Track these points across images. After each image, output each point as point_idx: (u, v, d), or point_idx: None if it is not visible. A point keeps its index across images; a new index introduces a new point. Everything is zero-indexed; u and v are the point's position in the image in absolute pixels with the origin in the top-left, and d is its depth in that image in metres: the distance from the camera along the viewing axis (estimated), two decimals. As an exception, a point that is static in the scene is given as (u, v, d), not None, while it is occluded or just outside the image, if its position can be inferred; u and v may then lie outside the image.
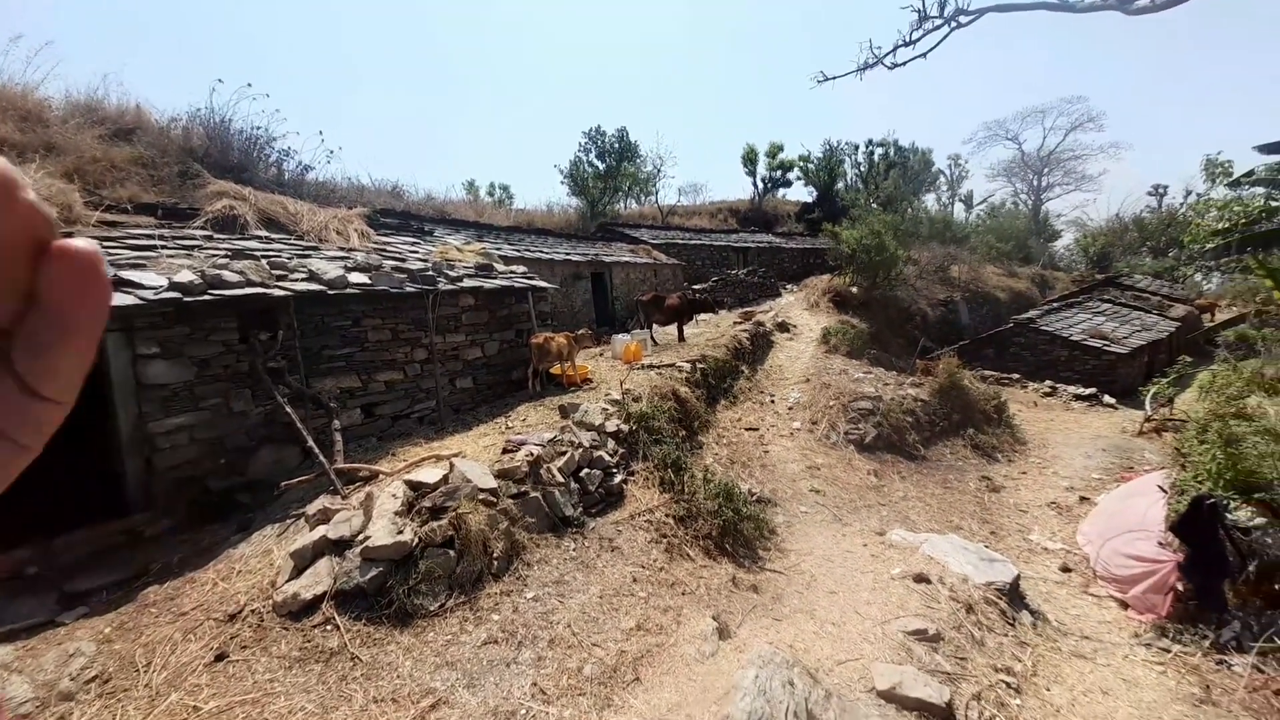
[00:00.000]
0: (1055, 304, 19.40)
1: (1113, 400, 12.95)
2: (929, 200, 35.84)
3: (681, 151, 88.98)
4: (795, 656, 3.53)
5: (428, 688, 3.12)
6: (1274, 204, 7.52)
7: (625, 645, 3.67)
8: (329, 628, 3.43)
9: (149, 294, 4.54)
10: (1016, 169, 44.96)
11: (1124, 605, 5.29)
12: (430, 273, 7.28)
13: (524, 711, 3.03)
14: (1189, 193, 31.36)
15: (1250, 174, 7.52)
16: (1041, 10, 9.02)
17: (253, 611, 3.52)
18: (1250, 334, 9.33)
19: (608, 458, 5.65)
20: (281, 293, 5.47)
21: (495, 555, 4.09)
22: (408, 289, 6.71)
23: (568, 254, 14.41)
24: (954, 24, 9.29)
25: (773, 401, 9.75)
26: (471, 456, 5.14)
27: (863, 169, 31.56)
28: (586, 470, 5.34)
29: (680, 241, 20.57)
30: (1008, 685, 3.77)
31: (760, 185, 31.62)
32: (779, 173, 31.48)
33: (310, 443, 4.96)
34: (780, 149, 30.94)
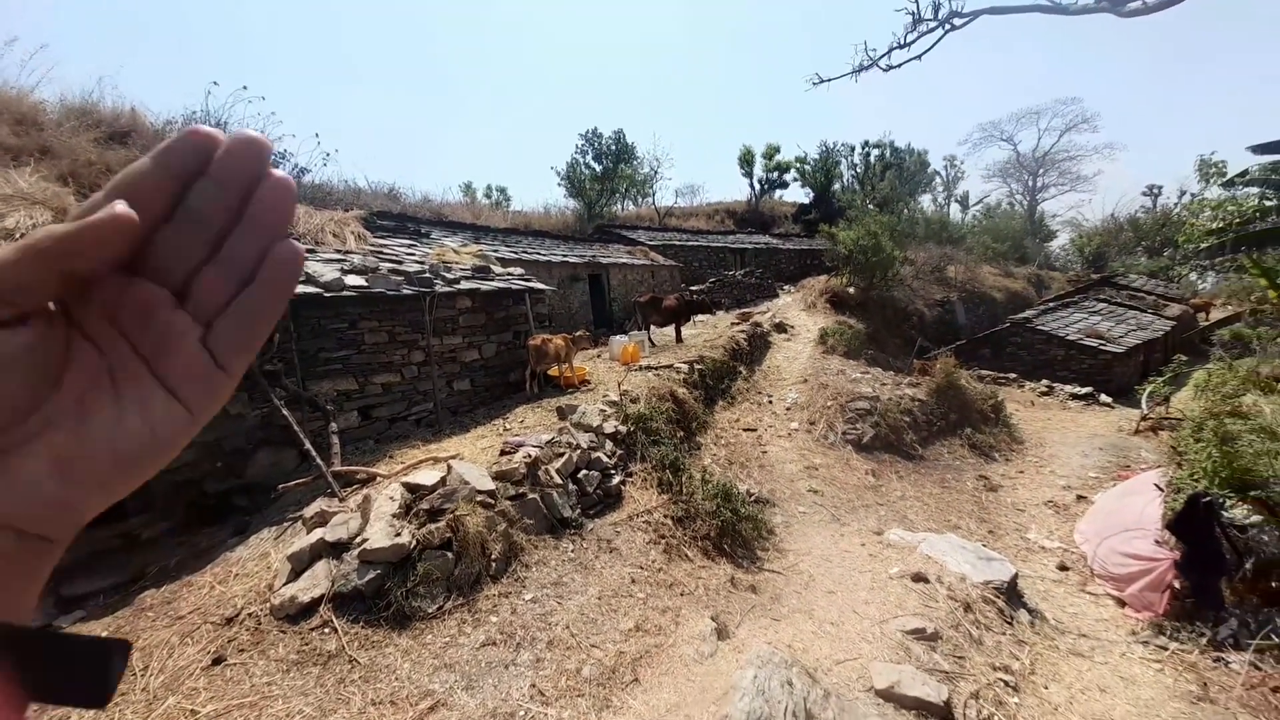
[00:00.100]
0: (1051, 304, 19.46)
1: (1109, 399, 13.00)
2: (925, 201, 36.02)
3: (678, 153, 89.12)
4: (794, 656, 3.53)
5: (426, 690, 3.11)
6: (1268, 203, 7.56)
7: (624, 646, 3.66)
8: (327, 630, 3.42)
9: (145, 297, 4.53)
10: (1012, 170, 45.20)
11: (1121, 603, 5.31)
12: (427, 275, 7.27)
13: (522, 713, 3.03)
14: (1183, 193, 31.53)
15: (1244, 174, 7.57)
16: (1035, 13, 9.08)
17: (250, 615, 3.51)
18: (1245, 333, 9.39)
19: (606, 459, 5.65)
20: (278, 295, 5.45)
21: (493, 557, 4.08)
22: (404, 291, 6.71)
23: (565, 256, 14.42)
24: (948, 26, 9.35)
25: (770, 402, 9.76)
26: (469, 458, 5.14)
27: (859, 170, 31.67)
28: (584, 471, 5.34)
29: (677, 243, 20.59)
30: (1006, 684, 3.78)
31: (757, 186, 31.69)
32: (776, 174, 31.55)
33: (307, 445, 4.95)
34: (777, 150, 31.02)
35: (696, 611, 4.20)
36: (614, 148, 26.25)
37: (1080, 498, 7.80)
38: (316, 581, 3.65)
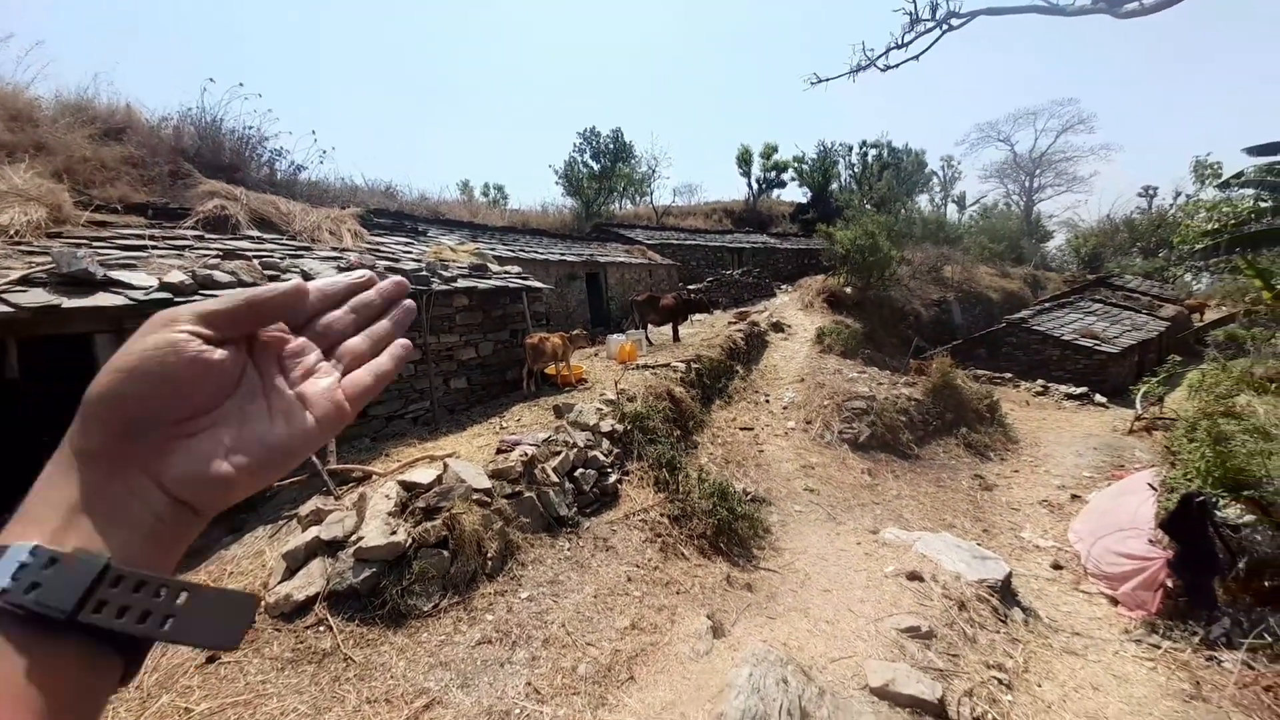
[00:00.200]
0: (1047, 304, 19.54)
1: (1104, 399, 13.06)
2: (922, 201, 36.13)
3: (677, 152, 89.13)
4: (789, 654, 3.54)
5: (421, 688, 3.11)
6: (1263, 205, 7.60)
7: (620, 644, 3.67)
8: (322, 629, 3.42)
9: (139, 294, 4.51)
10: (1009, 170, 45.35)
11: (1114, 602, 5.34)
12: (424, 273, 7.25)
13: (518, 711, 3.03)
14: (1179, 194, 31.72)
15: (1240, 175, 7.60)
16: (1033, 14, 9.10)
17: (245, 613, 3.50)
18: (1239, 333, 9.42)
19: (602, 457, 5.65)
20: (274, 293, 5.43)
21: (489, 555, 4.08)
22: (401, 289, 6.68)
23: (562, 254, 14.40)
24: (945, 27, 9.37)
25: (767, 401, 9.78)
26: (466, 457, 5.13)
27: (856, 170, 31.71)
28: (581, 470, 5.34)
29: (675, 242, 20.59)
30: (999, 681, 3.80)
31: (755, 186, 31.69)
32: (774, 173, 31.57)
33: (303, 443, 4.93)
34: (775, 150, 31.04)
35: (692, 610, 4.21)
36: (612, 147, 26.22)
37: (1075, 497, 7.83)
38: (311, 580, 3.64)
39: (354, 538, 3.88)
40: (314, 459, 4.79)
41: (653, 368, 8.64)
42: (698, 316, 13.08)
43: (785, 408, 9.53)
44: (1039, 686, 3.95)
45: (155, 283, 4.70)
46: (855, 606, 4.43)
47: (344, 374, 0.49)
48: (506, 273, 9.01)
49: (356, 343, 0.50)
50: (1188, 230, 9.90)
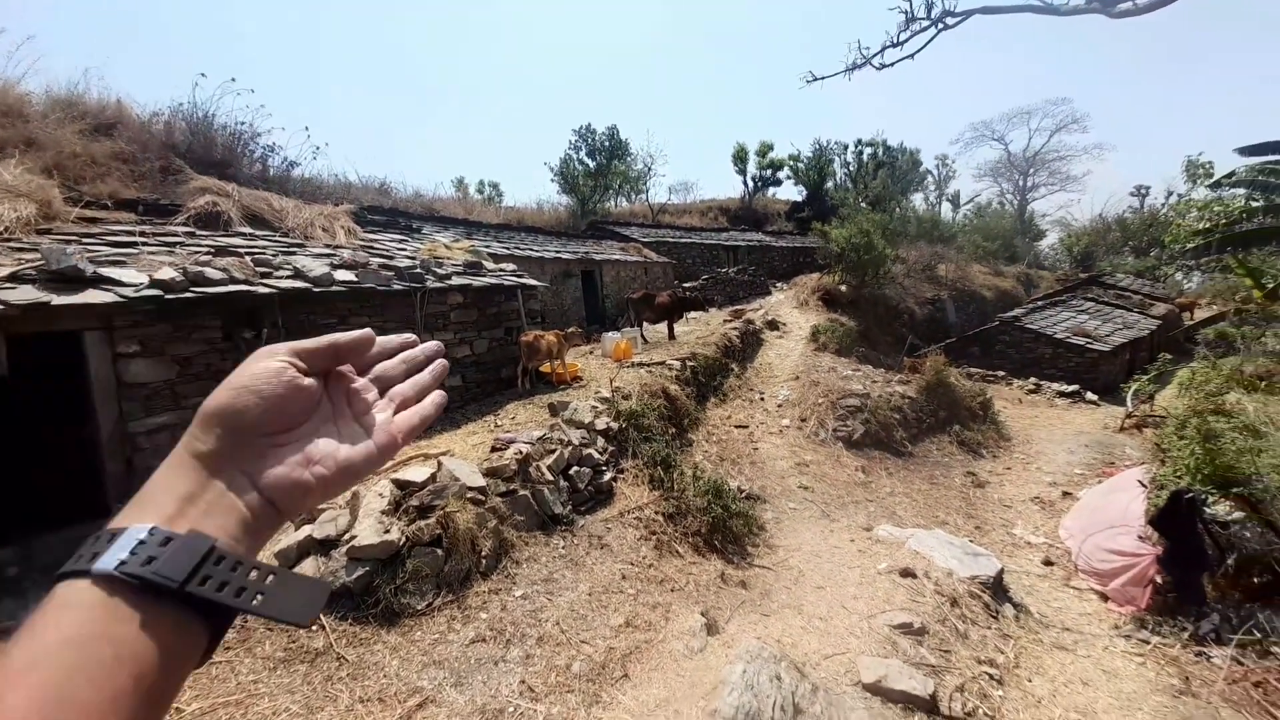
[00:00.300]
0: (1040, 302, 19.66)
1: (1095, 397, 13.16)
2: (917, 200, 36.25)
3: (673, 150, 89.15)
4: (783, 651, 3.56)
5: (415, 687, 3.10)
6: (1254, 205, 7.65)
7: (614, 642, 3.67)
8: (314, 628, 3.40)
9: (129, 291, 4.47)
10: (1002, 169, 45.59)
11: (1104, 598, 5.39)
12: (418, 270, 7.22)
13: (512, 709, 3.03)
14: (1170, 193, 31.90)
15: (1231, 175, 7.65)
16: (1028, 13, 9.12)
17: (237, 612, 3.48)
18: (1229, 332, 9.51)
19: (597, 455, 5.65)
20: (266, 290, 5.40)
21: (484, 554, 4.07)
22: (395, 286, 6.66)
23: (558, 252, 14.37)
24: (941, 26, 9.38)
25: (762, 399, 9.80)
26: (460, 455, 5.12)
27: (852, 168, 31.78)
28: (576, 468, 5.33)
29: (671, 240, 20.58)
30: (990, 677, 3.83)
31: (750, 184, 31.73)
32: (769, 172, 31.60)
33: (296, 441, 4.91)
34: (770, 148, 31.06)
35: (687, 607, 4.22)
36: (608, 144, 26.18)
37: (1066, 494, 7.90)
38: (304, 578, 3.63)
39: (347, 536, 3.86)
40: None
41: (648, 365, 8.64)
42: (693, 314, 13.08)
43: (780, 405, 9.55)
44: (1029, 682, 3.98)
45: (145, 279, 4.67)
46: (849, 603, 4.45)
47: (395, 412, 0.58)
48: (501, 270, 8.98)
49: (404, 388, 0.60)
50: (1179, 229, 9.99)
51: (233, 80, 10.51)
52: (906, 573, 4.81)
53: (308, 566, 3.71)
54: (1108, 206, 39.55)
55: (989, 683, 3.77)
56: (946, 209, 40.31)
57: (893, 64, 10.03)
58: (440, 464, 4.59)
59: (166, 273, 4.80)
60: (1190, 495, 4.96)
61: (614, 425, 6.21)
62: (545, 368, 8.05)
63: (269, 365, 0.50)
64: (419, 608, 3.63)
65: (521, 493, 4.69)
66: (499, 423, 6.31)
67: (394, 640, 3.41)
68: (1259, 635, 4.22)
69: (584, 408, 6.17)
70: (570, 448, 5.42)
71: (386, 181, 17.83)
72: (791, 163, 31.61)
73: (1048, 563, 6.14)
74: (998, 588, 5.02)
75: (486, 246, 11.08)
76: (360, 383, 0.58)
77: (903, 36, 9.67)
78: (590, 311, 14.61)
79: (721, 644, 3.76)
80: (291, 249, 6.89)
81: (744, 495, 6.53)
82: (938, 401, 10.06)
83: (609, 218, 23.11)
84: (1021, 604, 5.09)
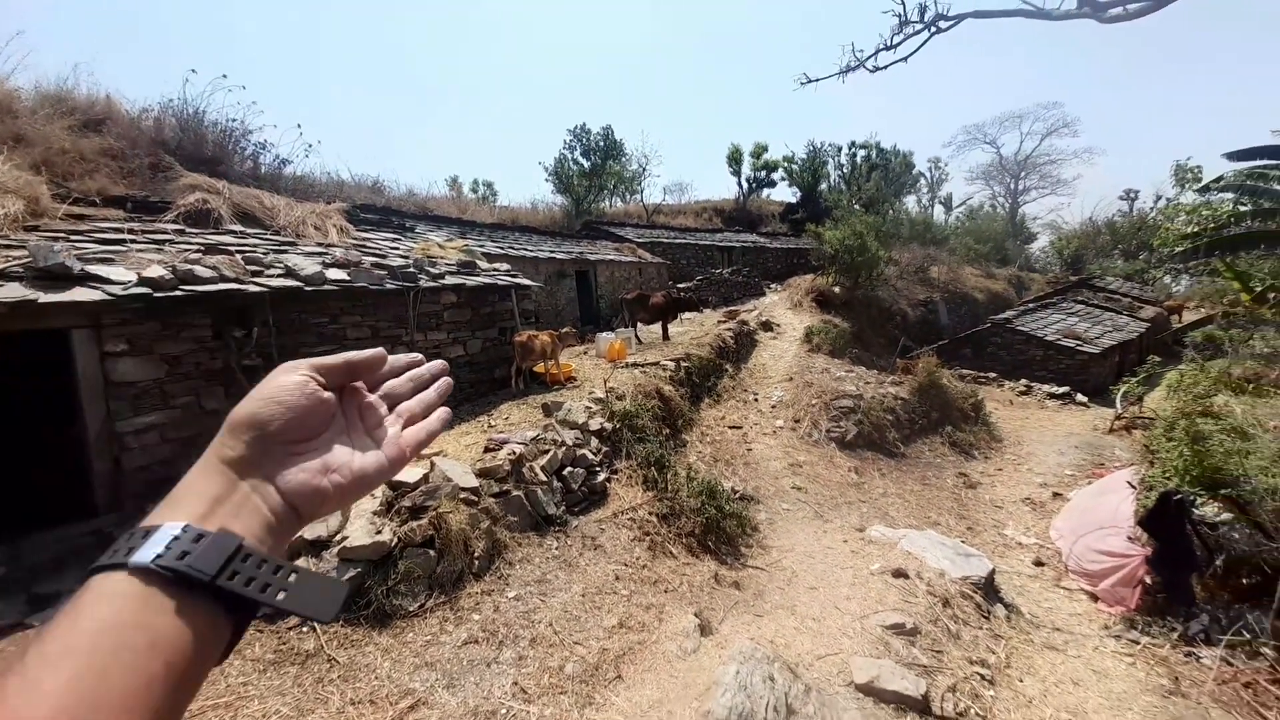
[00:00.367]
0: (1031, 305, 19.81)
1: (1085, 399, 13.27)
2: (909, 202, 36.40)
3: (668, 151, 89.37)
4: (776, 652, 3.56)
5: (406, 688, 3.08)
6: (1242, 209, 7.75)
7: (607, 643, 3.66)
8: (305, 629, 3.38)
9: (117, 289, 4.42)
10: (994, 172, 45.93)
11: (1094, 598, 5.42)
12: (411, 269, 7.18)
13: (504, 711, 3.01)
14: (1159, 197, 32.16)
15: (1219, 180, 7.75)
16: (1020, 17, 9.19)
17: (226, 613, 3.44)
18: (1217, 334, 9.58)
19: (591, 456, 5.63)
20: (256, 289, 5.36)
21: (476, 554, 4.05)
22: (388, 286, 6.62)
23: (552, 252, 14.34)
24: (934, 29, 9.44)
25: (756, 400, 9.81)
26: (453, 455, 5.10)
27: (845, 170, 31.89)
28: (570, 469, 5.32)
29: (665, 240, 20.58)
30: (982, 677, 3.85)
31: (745, 185, 31.76)
32: (764, 173, 31.64)
33: (287, 441, 4.86)
34: (765, 149, 31.10)
35: (680, 608, 4.21)
36: (602, 144, 26.16)
37: (1056, 495, 7.95)
38: (295, 579, 3.59)
39: (338, 537, 3.84)
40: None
41: (642, 366, 8.63)
42: (687, 315, 13.09)
43: (774, 406, 9.57)
44: (1021, 681, 4.01)
45: (134, 277, 4.61)
46: (841, 604, 4.46)
47: (403, 427, 0.62)
48: (495, 270, 8.95)
49: (411, 404, 0.63)
50: (1168, 233, 10.08)
51: (224, 77, 10.41)
52: (899, 573, 4.83)
53: (298, 567, 3.67)
54: (1097, 210, 40.05)
55: (981, 683, 3.79)
56: (939, 211, 40.63)
57: (886, 66, 10.10)
58: (433, 464, 4.56)
59: (155, 271, 4.75)
60: (1179, 496, 5.00)
61: (608, 426, 6.20)
62: (539, 368, 8.02)
63: (292, 379, 0.53)
64: (411, 609, 3.61)
65: (515, 493, 4.67)
66: (492, 423, 6.29)
67: (386, 642, 3.39)
68: (1248, 636, 4.25)
69: (578, 408, 6.16)
70: (564, 448, 5.41)
71: (380, 180, 17.76)
72: (786, 164, 31.68)
73: (1038, 563, 6.18)
74: (989, 588, 5.05)
75: (480, 246, 11.04)
76: (372, 398, 0.61)
77: (896, 39, 9.74)
78: (584, 312, 14.59)
79: (715, 645, 3.76)
80: (283, 247, 6.83)
81: (738, 496, 6.53)
82: (930, 403, 10.11)
83: (604, 218, 23.08)
84: (1013, 604, 5.11)
